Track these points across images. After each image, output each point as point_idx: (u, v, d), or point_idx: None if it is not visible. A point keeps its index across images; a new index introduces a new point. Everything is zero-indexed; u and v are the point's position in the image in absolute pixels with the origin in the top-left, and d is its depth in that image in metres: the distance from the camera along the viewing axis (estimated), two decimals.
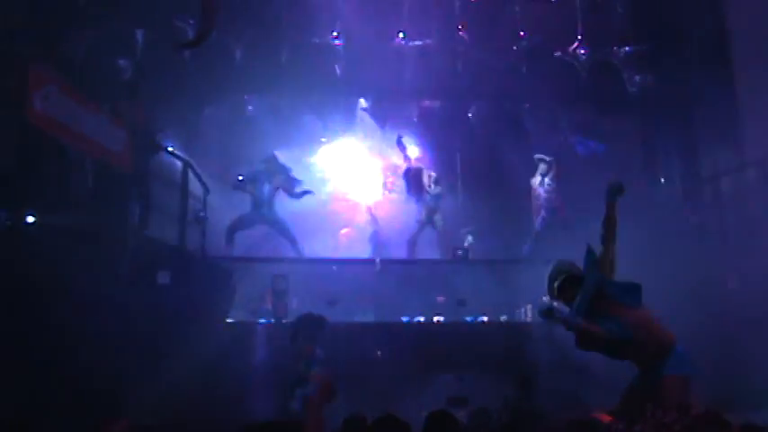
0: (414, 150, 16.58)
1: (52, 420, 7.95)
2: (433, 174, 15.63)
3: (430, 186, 15.51)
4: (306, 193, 15.19)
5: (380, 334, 12.80)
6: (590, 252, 7.57)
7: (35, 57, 10.13)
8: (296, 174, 15.37)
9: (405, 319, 13.78)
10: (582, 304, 7.51)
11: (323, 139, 16.82)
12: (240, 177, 14.97)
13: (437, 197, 15.53)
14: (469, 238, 15.56)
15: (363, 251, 15.50)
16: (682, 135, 15.47)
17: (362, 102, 17.00)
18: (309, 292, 13.57)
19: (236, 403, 10.82)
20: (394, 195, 16.42)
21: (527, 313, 13.92)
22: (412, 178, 15.73)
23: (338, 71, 15.46)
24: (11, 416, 6.75)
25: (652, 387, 7.32)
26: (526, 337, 12.32)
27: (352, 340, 12.24)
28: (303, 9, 15.20)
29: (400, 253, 15.16)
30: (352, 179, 16.80)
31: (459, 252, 15.23)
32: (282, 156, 15.67)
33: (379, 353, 12.39)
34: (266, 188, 14.88)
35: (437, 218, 15.42)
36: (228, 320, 12.82)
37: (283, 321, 12.72)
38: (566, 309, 7.67)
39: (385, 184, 16.60)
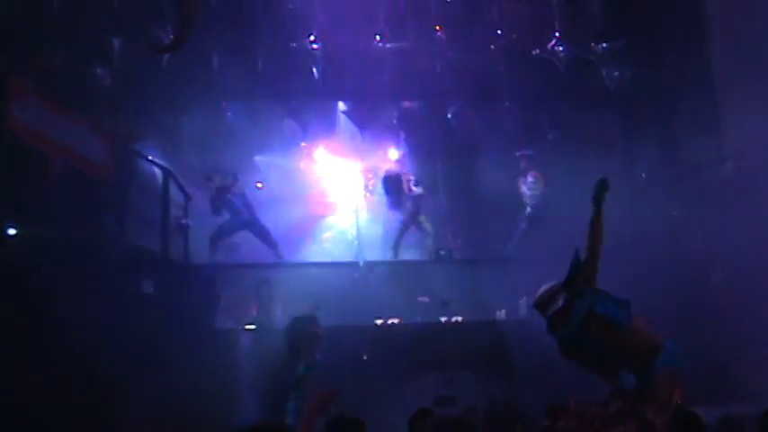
0: (394, 152, 16.67)
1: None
2: (412, 177, 15.66)
3: (410, 190, 15.54)
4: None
5: (365, 336, 12.80)
6: (577, 258, 7.55)
7: (14, 68, 10.10)
8: (277, 178, 15.42)
9: (389, 320, 13.77)
10: (573, 328, 7.51)
11: (302, 144, 16.81)
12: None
13: (418, 198, 15.56)
14: (450, 235, 15.62)
15: (347, 254, 15.51)
16: (661, 129, 15.53)
17: (341, 105, 17.00)
18: (294, 296, 13.54)
19: (225, 412, 10.79)
20: (376, 197, 16.41)
21: (518, 311, 13.96)
22: (391, 184, 15.75)
23: (316, 74, 15.41)
24: None
25: (644, 386, 7.35)
26: (511, 336, 12.31)
27: (338, 343, 12.22)
28: (279, 14, 15.18)
29: (384, 255, 15.19)
30: (334, 182, 16.79)
31: (442, 252, 15.26)
32: (263, 161, 15.71)
33: (365, 356, 12.38)
34: (235, 200, 14.87)
35: (423, 219, 15.45)
36: (214, 328, 12.80)
37: (274, 327, 12.71)
38: None
39: (366, 186, 16.56)
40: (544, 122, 16.08)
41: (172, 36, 13.36)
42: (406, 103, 17.11)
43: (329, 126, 16.99)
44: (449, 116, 16.78)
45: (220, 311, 13.18)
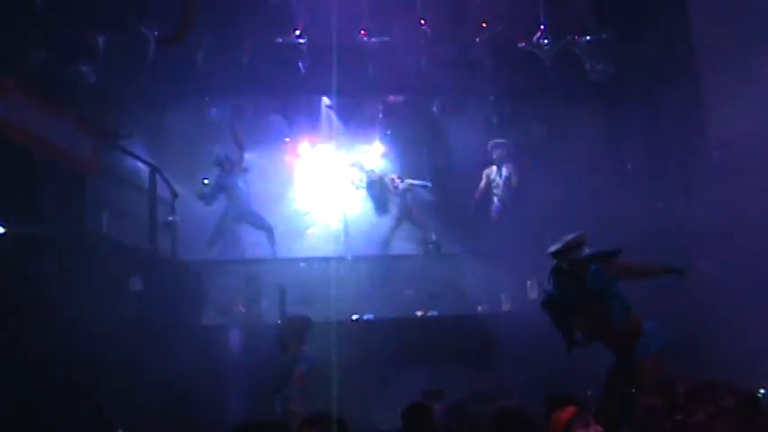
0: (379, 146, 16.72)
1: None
2: (394, 175, 15.72)
3: (396, 187, 15.58)
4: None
5: (354, 331, 12.82)
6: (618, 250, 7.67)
7: None
8: (263, 175, 15.45)
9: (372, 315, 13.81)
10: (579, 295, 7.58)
11: (287, 139, 16.82)
12: (205, 180, 15.07)
13: (406, 191, 15.59)
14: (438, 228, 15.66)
15: (333, 249, 15.53)
16: (646, 121, 15.58)
17: (326, 99, 16.99)
18: (279, 291, 13.55)
19: (214, 405, 10.80)
20: (362, 191, 16.42)
21: (501, 304, 14.02)
22: (375, 189, 15.82)
23: (303, 69, 15.39)
24: None
25: (630, 372, 7.40)
26: (499, 329, 12.33)
27: (326, 338, 12.23)
28: (265, 9, 15.13)
29: (372, 249, 15.22)
30: (320, 178, 16.80)
31: (430, 246, 15.30)
32: (248, 157, 15.71)
33: (352, 351, 12.39)
34: (236, 183, 14.99)
35: (417, 213, 15.52)
36: (202, 324, 12.81)
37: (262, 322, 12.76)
38: None
39: (352, 181, 16.57)
40: (529, 115, 16.10)
41: (157, 33, 13.37)
42: (391, 98, 17.13)
43: (314, 121, 16.98)
44: (434, 110, 16.79)
45: (208, 307, 13.21)
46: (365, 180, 16.11)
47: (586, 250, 7.71)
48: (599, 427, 5.61)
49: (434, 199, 16.17)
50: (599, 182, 15.33)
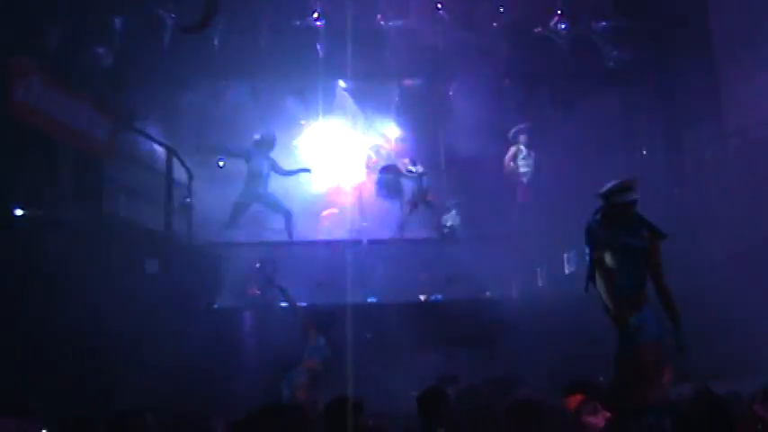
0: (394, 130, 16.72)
1: (37, 409, 7.97)
2: (407, 160, 15.73)
3: (409, 171, 15.58)
4: (302, 170, 15.35)
5: (368, 314, 12.85)
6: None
7: (16, 49, 10.10)
8: (279, 157, 15.45)
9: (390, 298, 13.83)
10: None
11: (302, 121, 16.82)
12: (221, 163, 15.11)
13: (420, 177, 15.59)
14: (454, 212, 15.64)
15: (348, 232, 15.54)
16: (662, 107, 15.52)
17: (341, 83, 17.00)
18: (296, 274, 13.59)
19: (227, 388, 10.87)
20: (377, 175, 16.44)
21: (511, 289, 14.07)
22: (389, 174, 15.83)
23: (320, 52, 15.41)
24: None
25: (629, 356, 7.41)
26: (513, 313, 12.34)
27: (341, 322, 12.29)
28: None
29: (387, 233, 15.24)
30: (335, 160, 16.81)
31: (446, 230, 15.32)
32: None
33: (369, 335, 12.43)
34: (264, 164, 15.00)
35: (431, 197, 15.53)
36: (217, 306, 12.88)
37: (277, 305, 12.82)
38: None
39: (368, 165, 16.58)
40: (545, 101, 16.07)
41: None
42: (408, 81, 17.12)
43: (330, 104, 16.98)
44: (450, 93, 16.78)
45: (223, 290, 13.26)
46: (379, 163, 16.13)
47: (634, 195, 7.65)
48: (607, 414, 5.65)
49: (449, 183, 16.20)
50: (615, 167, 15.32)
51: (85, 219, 10.19)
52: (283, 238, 15.04)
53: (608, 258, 7.55)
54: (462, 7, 15.71)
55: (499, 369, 11.22)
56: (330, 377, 10.54)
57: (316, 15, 15.45)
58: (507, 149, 15.79)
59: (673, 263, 7.90)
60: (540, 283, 14.26)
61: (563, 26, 15.54)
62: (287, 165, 15.59)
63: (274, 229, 15.38)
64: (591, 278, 7.62)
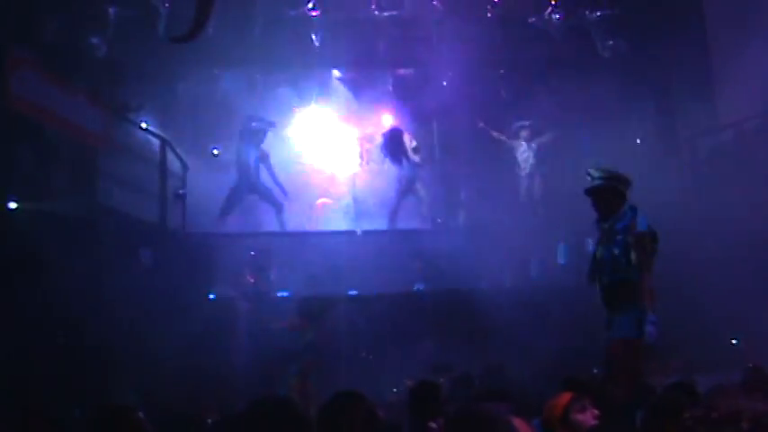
0: (389, 119, 16.70)
1: (32, 400, 8.00)
2: (415, 141, 15.72)
3: (413, 149, 15.59)
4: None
5: (362, 305, 12.89)
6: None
7: (10, 39, 10.10)
8: (272, 146, 15.47)
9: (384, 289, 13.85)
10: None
11: (295, 109, 16.79)
12: (215, 152, 15.11)
13: (416, 165, 15.61)
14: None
15: (341, 222, 15.57)
16: (657, 98, 15.55)
17: (336, 72, 17.00)
18: (289, 264, 13.63)
19: (222, 378, 10.91)
20: (372, 165, 16.46)
21: (504, 279, 14.09)
22: (391, 141, 15.78)
23: (316, 42, 15.40)
24: None
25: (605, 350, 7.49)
26: (508, 303, 12.38)
27: (335, 312, 12.34)
28: None
29: (380, 223, 15.25)
30: (329, 150, 16.81)
31: (440, 220, 15.35)
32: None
33: (361, 324, 12.48)
34: (252, 153, 14.98)
35: (419, 186, 15.51)
36: (211, 296, 12.91)
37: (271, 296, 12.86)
38: None
39: (361, 154, 16.60)
40: (540, 91, 16.07)
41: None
42: (402, 71, 17.12)
43: (324, 93, 16.97)
44: (444, 84, 16.77)
45: (217, 280, 13.28)
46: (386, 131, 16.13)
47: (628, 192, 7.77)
48: (595, 411, 5.66)
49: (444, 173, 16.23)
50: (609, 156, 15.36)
51: (80, 211, 10.20)
52: (277, 228, 15.05)
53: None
54: None
55: (492, 359, 11.28)
56: (324, 367, 10.60)
57: (311, 5, 15.40)
58: (499, 142, 15.85)
59: (666, 256, 7.94)
60: (532, 274, 14.29)
61: (557, 16, 15.53)
62: (281, 153, 15.61)
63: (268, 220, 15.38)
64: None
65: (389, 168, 15.97)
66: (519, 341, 11.36)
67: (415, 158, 15.56)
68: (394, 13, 15.67)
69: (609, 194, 7.78)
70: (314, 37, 15.51)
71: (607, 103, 14.81)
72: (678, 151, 15.05)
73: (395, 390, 10.93)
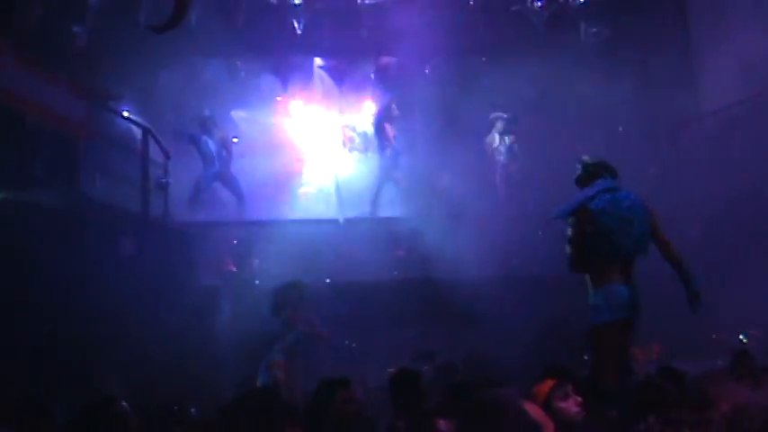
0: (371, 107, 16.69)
1: (17, 393, 7.97)
2: (395, 132, 15.72)
3: (394, 138, 15.58)
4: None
5: (344, 293, 12.88)
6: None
7: None
8: (253, 133, 15.47)
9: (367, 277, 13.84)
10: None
11: (278, 98, 16.78)
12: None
13: (396, 154, 15.59)
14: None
15: (324, 211, 15.56)
16: (639, 86, 15.56)
17: (318, 60, 16.96)
18: (272, 252, 13.60)
19: (207, 367, 10.88)
20: (354, 153, 16.45)
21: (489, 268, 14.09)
22: (380, 124, 15.79)
23: (299, 30, 15.35)
24: None
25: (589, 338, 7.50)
26: (491, 291, 12.39)
27: (317, 300, 12.31)
28: None
29: (363, 211, 15.25)
30: (311, 138, 16.79)
31: (419, 208, 15.33)
32: (241, 116, 15.75)
33: (343, 311, 12.46)
34: (211, 144, 14.97)
35: (399, 175, 15.49)
36: (194, 284, 12.87)
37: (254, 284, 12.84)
38: None
39: (344, 143, 16.59)
40: (521, 78, 16.06)
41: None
42: (384, 59, 17.09)
43: (306, 81, 16.94)
44: (426, 71, 16.75)
45: (200, 268, 13.25)
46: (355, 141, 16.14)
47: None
48: (578, 398, 5.67)
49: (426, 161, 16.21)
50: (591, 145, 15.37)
51: (61, 200, 10.14)
52: (260, 217, 15.01)
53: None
54: None
55: (476, 347, 11.29)
56: (308, 356, 10.58)
57: None
58: (482, 130, 15.86)
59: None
60: (514, 262, 14.29)
61: (539, 3, 15.54)
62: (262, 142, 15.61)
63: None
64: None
65: (372, 156, 15.98)
66: (503, 329, 11.36)
67: (394, 140, 15.53)
68: (376, 1, 15.63)
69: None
70: (296, 24, 15.47)
71: (589, 90, 14.80)
72: (660, 138, 15.07)
73: (377, 377, 10.93)
